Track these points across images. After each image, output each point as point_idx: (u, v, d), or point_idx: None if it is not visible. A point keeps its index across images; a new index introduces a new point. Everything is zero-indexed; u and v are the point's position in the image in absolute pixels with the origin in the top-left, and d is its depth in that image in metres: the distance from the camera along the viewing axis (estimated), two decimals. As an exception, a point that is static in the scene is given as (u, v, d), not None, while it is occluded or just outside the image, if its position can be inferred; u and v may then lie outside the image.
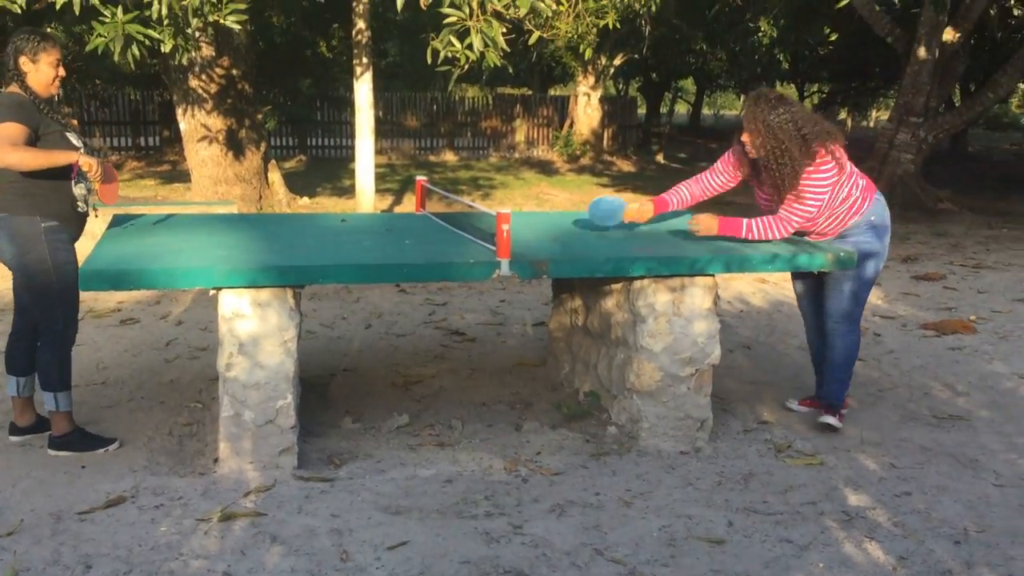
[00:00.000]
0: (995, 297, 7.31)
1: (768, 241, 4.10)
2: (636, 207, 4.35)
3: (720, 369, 4.16)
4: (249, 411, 3.56)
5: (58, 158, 3.60)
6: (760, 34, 19.29)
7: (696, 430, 4.01)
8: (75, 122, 3.95)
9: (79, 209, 3.81)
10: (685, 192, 4.40)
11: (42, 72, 3.72)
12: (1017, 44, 15.19)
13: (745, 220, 4.12)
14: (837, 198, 4.08)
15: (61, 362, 3.82)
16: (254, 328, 3.52)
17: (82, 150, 3.79)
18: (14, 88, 3.71)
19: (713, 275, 3.93)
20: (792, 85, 36.80)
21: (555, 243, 4.14)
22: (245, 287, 3.47)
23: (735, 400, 4.65)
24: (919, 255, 9.36)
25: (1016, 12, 18.30)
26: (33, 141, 3.61)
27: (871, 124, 47.68)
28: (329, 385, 4.81)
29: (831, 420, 4.26)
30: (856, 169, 4.18)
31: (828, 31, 20.61)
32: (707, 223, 4.11)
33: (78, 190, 3.77)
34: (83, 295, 6.65)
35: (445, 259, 3.70)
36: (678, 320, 3.92)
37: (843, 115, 47.29)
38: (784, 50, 22.41)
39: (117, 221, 4.44)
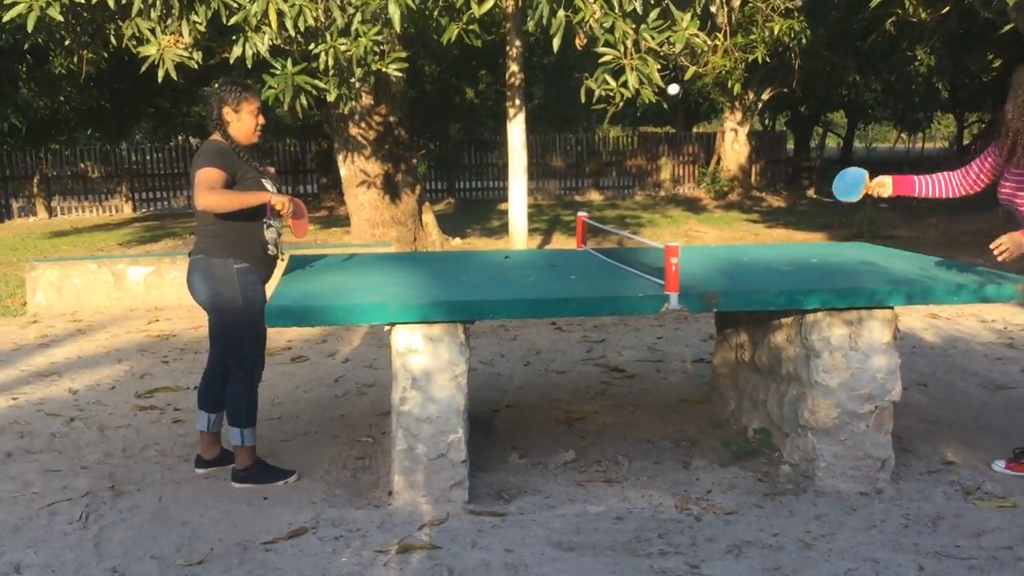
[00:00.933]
0: None
1: None
2: (877, 180, 4.17)
3: (897, 408, 3.97)
4: (422, 445, 3.62)
5: (250, 199, 3.79)
6: (917, 63, 18.61)
7: (877, 470, 3.83)
8: (271, 169, 4.16)
9: (269, 252, 3.98)
10: (931, 181, 4.20)
11: (244, 121, 3.92)
12: None
13: None
14: None
15: (249, 399, 3.98)
16: (426, 363, 3.59)
17: (278, 187, 3.99)
18: (217, 136, 3.92)
19: (892, 307, 3.77)
20: (951, 115, 35.36)
21: (722, 276, 4.07)
22: (418, 322, 3.55)
23: (915, 440, 4.43)
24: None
25: None
26: (230, 185, 3.81)
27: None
28: (493, 421, 4.85)
29: (1000, 467, 4.00)
30: None
31: (990, 57, 19.72)
32: (1016, 240, 3.69)
33: (269, 234, 3.95)
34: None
35: (613, 293, 3.69)
36: (855, 355, 3.78)
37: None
38: (942, 78, 21.55)
39: (293, 262, 4.63)
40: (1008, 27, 12.29)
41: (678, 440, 4.51)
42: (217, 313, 3.92)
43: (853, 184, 4.19)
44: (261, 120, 3.98)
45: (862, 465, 3.81)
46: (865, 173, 4.19)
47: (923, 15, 12.43)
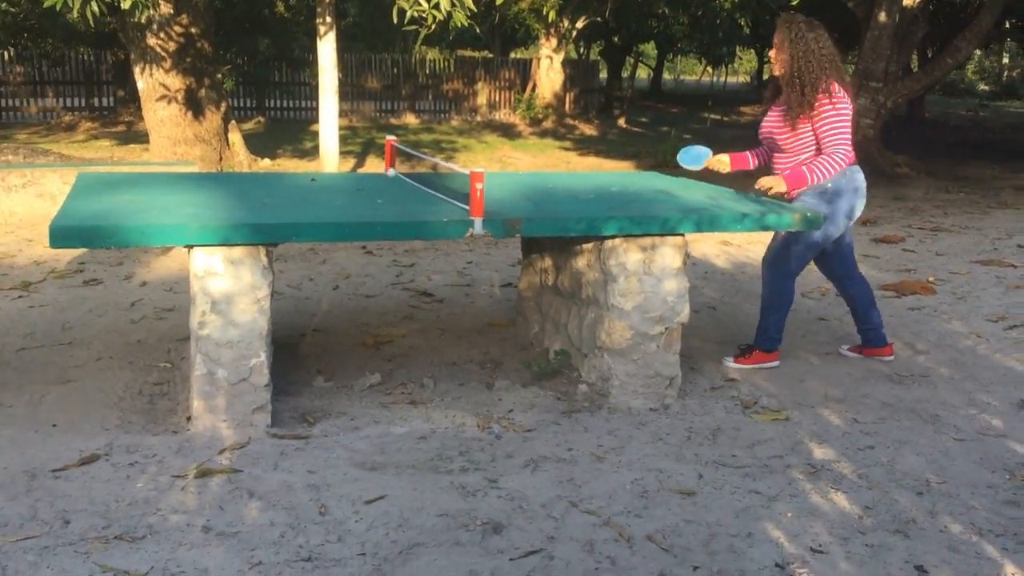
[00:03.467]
0: (953, 259, 7.46)
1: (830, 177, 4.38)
2: (717, 158, 4.73)
3: (687, 329, 4.22)
4: (222, 369, 3.55)
5: None
6: (720, -1, 19.33)
7: (665, 387, 4.07)
8: None
9: None
10: (761, 154, 4.80)
11: None
12: (975, 10, 15.37)
13: (805, 167, 4.34)
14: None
15: None
16: (227, 286, 3.51)
17: None
18: None
19: (683, 234, 3.97)
20: (752, 50, 36.97)
21: (527, 202, 4.16)
22: (218, 244, 3.45)
23: (702, 359, 4.73)
24: (878, 218, 9.50)
25: (974, -21, 18.49)
26: None
27: (829, 90, 47.84)
28: (299, 345, 4.81)
29: (730, 362, 4.66)
30: None
31: (789, -4, 20.68)
32: (773, 182, 4.38)
33: None
34: (44, 255, 6.58)
35: (418, 217, 3.70)
36: (648, 279, 3.97)
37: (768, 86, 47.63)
38: (745, 15, 22.42)
39: (83, 180, 4.38)
40: (805, -32, 12.92)
41: (483, 362, 4.63)
42: None
43: (697, 157, 4.73)
44: None
45: (652, 383, 4.04)
46: (709, 151, 4.72)
47: (728, -48, 12.87)
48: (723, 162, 4.73)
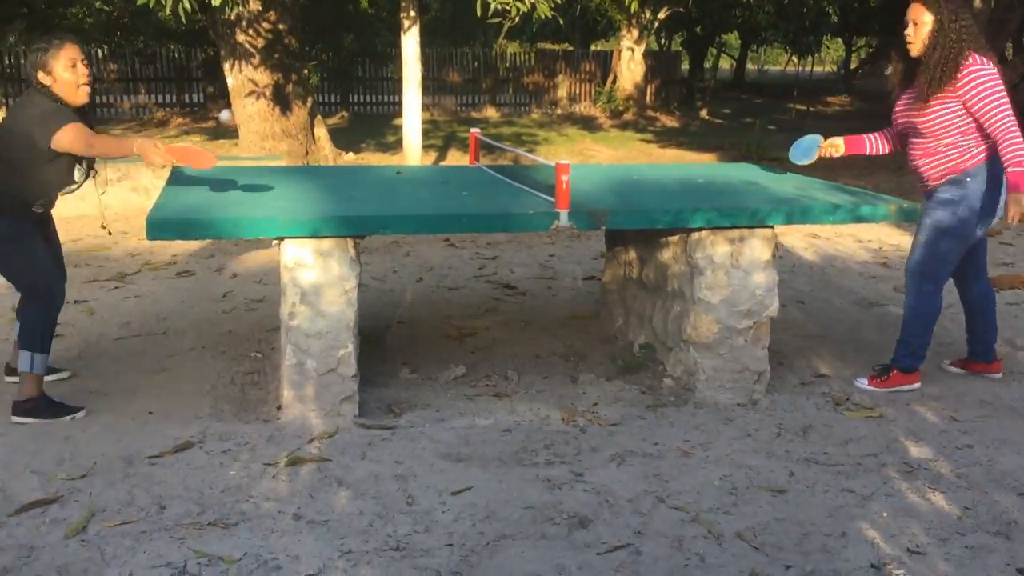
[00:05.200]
0: (1053, 253, 7.18)
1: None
2: (830, 141, 4.37)
3: (775, 323, 4.13)
4: (311, 360, 3.61)
5: (123, 147, 3.65)
6: (808, -13, 18.89)
7: (753, 382, 4.00)
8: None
9: (36, 210, 3.77)
10: (879, 139, 4.38)
11: (61, 79, 3.63)
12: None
13: (1013, 159, 3.74)
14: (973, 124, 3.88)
15: (45, 323, 3.75)
16: (316, 278, 3.56)
17: (77, 187, 3.84)
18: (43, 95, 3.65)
19: (773, 226, 3.89)
20: (840, 39, 36.08)
21: (612, 195, 4.12)
22: (308, 237, 3.50)
23: (791, 354, 4.63)
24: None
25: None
26: (52, 157, 3.62)
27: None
28: (384, 337, 4.86)
29: (863, 384, 4.18)
30: None
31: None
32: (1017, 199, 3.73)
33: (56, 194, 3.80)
34: (139, 247, 6.77)
35: (504, 210, 3.71)
36: (736, 272, 3.90)
37: (891, 69, 46.40)
38: (832, 2, 21.91)
39: (176, 173, 4.48)
40: (896, -47, 12.56)
41: (567, 355, 4.61)
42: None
43: (808, 148, 4.41)
44: (83, 69, 3.66)
45: (740, 378, 3.97)
46: (819, 138, 4.41)
47: (816, -62, 12.58)
48: (836, 145, 4.34)
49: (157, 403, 3.88)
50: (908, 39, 3.98)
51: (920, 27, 3.91)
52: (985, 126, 3.83)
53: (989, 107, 3.79)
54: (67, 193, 3.83)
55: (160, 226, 3.35)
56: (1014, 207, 3.74)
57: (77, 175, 3.81)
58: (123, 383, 4.12)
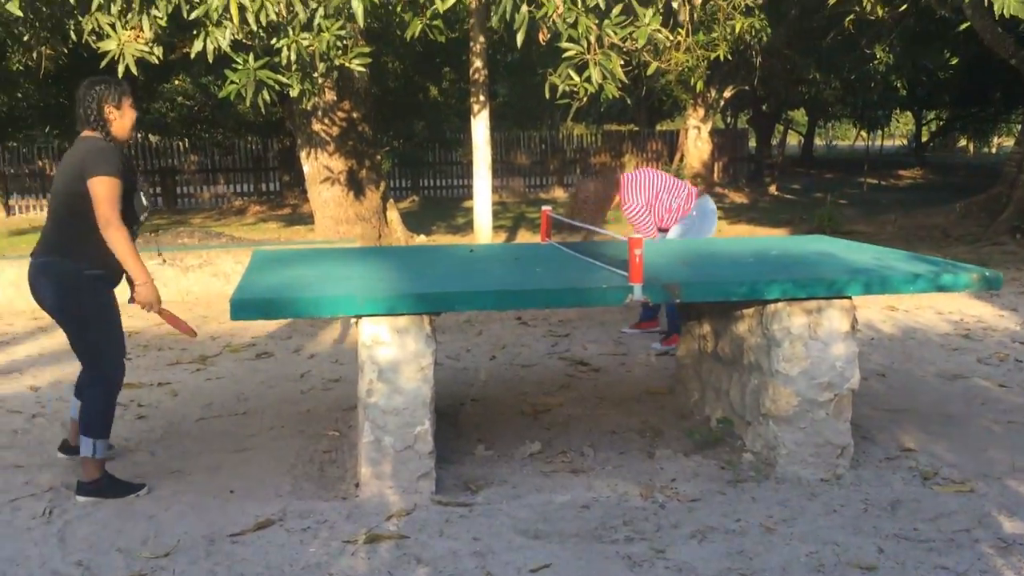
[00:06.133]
0: None
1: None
2: None
3: (857, 397, 4.04)
4: (389, 436, 3.64)
5: (134, 265, 3.71)
6: (875, 61, 18.87)
7: (836, 457, 3.90)
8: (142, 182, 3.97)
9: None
10: None
11: (126, 117, 3.77)
12: None
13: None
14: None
15: (105, 409, 3.78)
16: (393, 354, 3.61)
17: (148, 210, 3.89)
18: (93, 134, 3.74)
19: (851, 297, 3.84)
20: (910, 112, 35.84)
21: (685, 267, 4.12)
22: (385, 314, 3.56)
23: (874, 428, 4.51)
24: (1058, 280, 8.94)
25: None
26: (123, 195, 3.68)
27: (993, 150, 46.01)
28: (459, 414, 4.87)
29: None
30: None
31: (947, 55, 20.05)
32: None
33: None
34: (220, 330, 6.94)
35: (578, 284, 3.73)
36: (815, 343, 3.84)
37: (963, 141, 45.81)
38: (900, 76, 21.85)
39: (256, 256, 4.62)
40: (964, 25, 12.52)
41: (643, 431, 4.56)
42: (68, 321, 3.76)
43: None
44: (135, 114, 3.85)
45: (822, 452, 3.88)
46: None
47: (881, 13, 12.63)
48: None
49: (238, 482, 3.93)
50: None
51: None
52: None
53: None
54: (144, 222, 3.89)
55: (244, 306, 3.44)
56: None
57: (145, 200, 3.86)
58: (205, 462, 4.19)
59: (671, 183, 6.21)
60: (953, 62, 20.58)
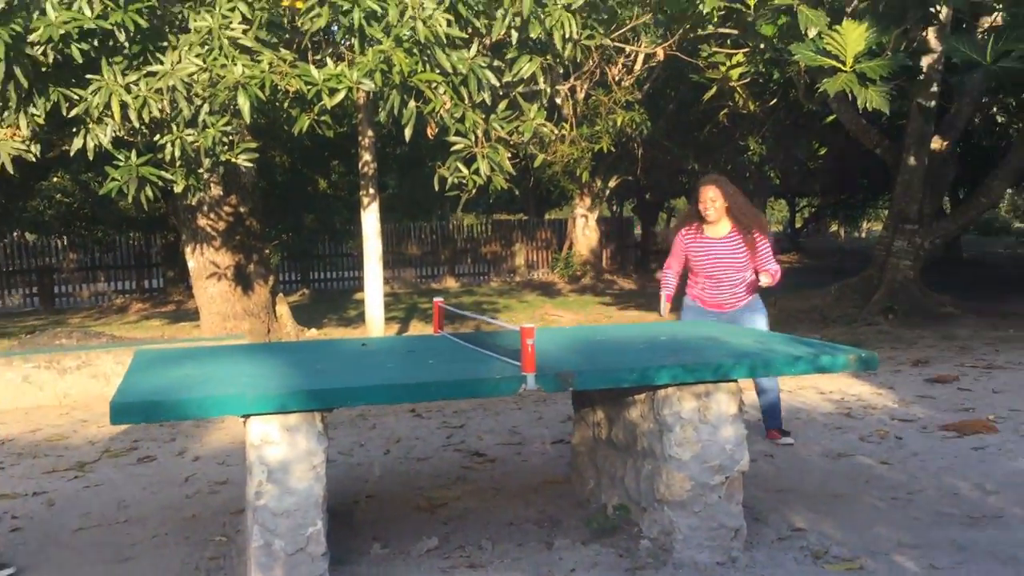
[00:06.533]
0: (1011, 396, 7.28)
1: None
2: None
3: (747, 479, 4.12)
4: (279, 540, 3.51)
5: None
6: (750, 152, 19.79)
7: (731, 539, 3.95)
8: None
9: None
10: (673, 280, 6.03)
11: None
12: (1004, 150, 15.59)
13: (774, 273, 5.65)
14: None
15: None
16: (283, 454, 3.51)
17: None
18: None
19: (736, 380, 3.94)
20: (783, 200, 37.53)
21: (577, 355, 4.17)
22: (274, 413, 3.48)
23: (765, 509, 4.59)
24: (929, 358, 9.37)
25: (1000, 120, 18.84)
26: None
27: (862, 235, 48.38)
28: (354, 512, 4.76)
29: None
30: None
31: (816, 145, 21.16)
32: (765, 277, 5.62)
33: None
34: (99, 434, 6.65)
35: (471, 376, 3.72)
36: (705, 427, 3.91)
37: (834, 227, 48.10)
38: (773, 166, 22.91)
39: (139, 356, 4.47)
40: (831, 118, 13.27)
41: (540, 521, 4.53)
42: None
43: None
44: None
45: (716, 535, 3.92)
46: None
47: (752, 107, 13.29)
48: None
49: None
50: (708, 214, 5.76)
51: (720, 202, 5.71)
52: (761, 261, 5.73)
53: (768, 254, 5.75)
54: None
55: (125, 410, 3.31)
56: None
57: None
58: (85, 575, 3.96)
59: None
60: (822, 152, 21.71)
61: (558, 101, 9.93)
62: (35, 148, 6.84)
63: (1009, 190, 32.14)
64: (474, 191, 7.14)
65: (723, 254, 5.77)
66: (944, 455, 5.56)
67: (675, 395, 3.91)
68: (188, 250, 11.16)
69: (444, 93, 6.65)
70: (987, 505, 4.62)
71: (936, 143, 12.94)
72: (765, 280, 5.63)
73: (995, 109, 17.74)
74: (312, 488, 3.54)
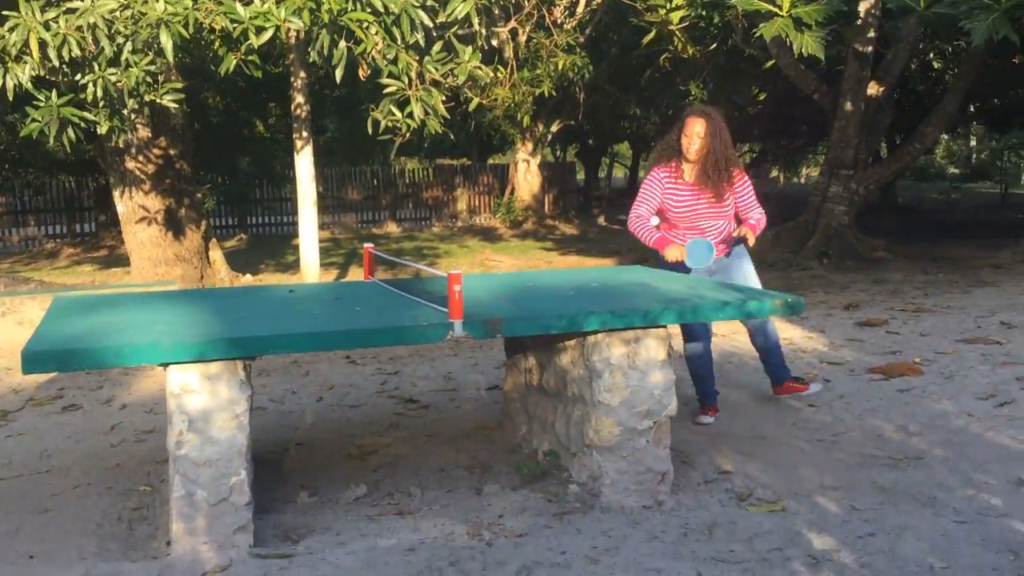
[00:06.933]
0: (937, 339, 7.45)
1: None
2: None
3: (675, 422, 4.15)
4: (202, 490, 3.45)
5: None
6: (691, 97, 19.77)
7: (657, 483, 3.98)
8: None
9: None
10: (653, 226, 5.26)
11: None
12: (939, 96, 15.78)
13: (757, 222, 5.15)
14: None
15: None
16: (204, 403, 3.44)
17: None
18: None
19: (666, 326, 3.94)
20: (724, 145, 37.57)
21: (507, 302, 4.14)
22: (193, 361, 3.40)
23: (693, 452, 4.64)
24: (860, 302, 9.54)
25: (936, 66, 19.05)
26: None
27: (802, 180, 48.96)
28: (282, 460, 4.71)
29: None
30: None
31: (756, 91, 21.21)
32: (744, 231, 5.07)
33: None
34: (23, 382, 6.49)
35: (398, 323, 3.67)
36: (634, 373, 3.92)
37: (774, 172, 48.53)
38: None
39: (58, 303, 4.34)
40: (770, 63, 13.28)
41: (471, 467, 4.53)
42: None
43: (701, 254, 5.02)
44: None
45: (644, 479, 3.95)
46: (709, 242, 5.08)
47: (692, 52, 13.23)
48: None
49: (39, 545, 3.65)
50: (688, 152, 5.11)
51: (702, 139, 5.04)
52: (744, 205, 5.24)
53: (751, 197, 5.25)
54: None
55: (37, 359, 3.20)
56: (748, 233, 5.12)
57: None
58: (3, 527, 3.87)
59: None
60: (762, 97, 21.77)
61: (494, 43, 9.78)
62: (-50, 87, 6.55)
63: (944, 136, 32.73)
64: (407, 135, 7.02)
65: (700, 199, 5.14)
66: (870, 397, 5.67)
67: (604, 341, 3.91)
68: (117, 194, 10.87)
69: (376, 33, 6.49)
70: (910, 447, 4.72)
71: (872, 88, 13.04)
72: (746, 233, 5.03)
73: (931, 55, 17.92)
74: (235, 437, 3.48)
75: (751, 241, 5.11)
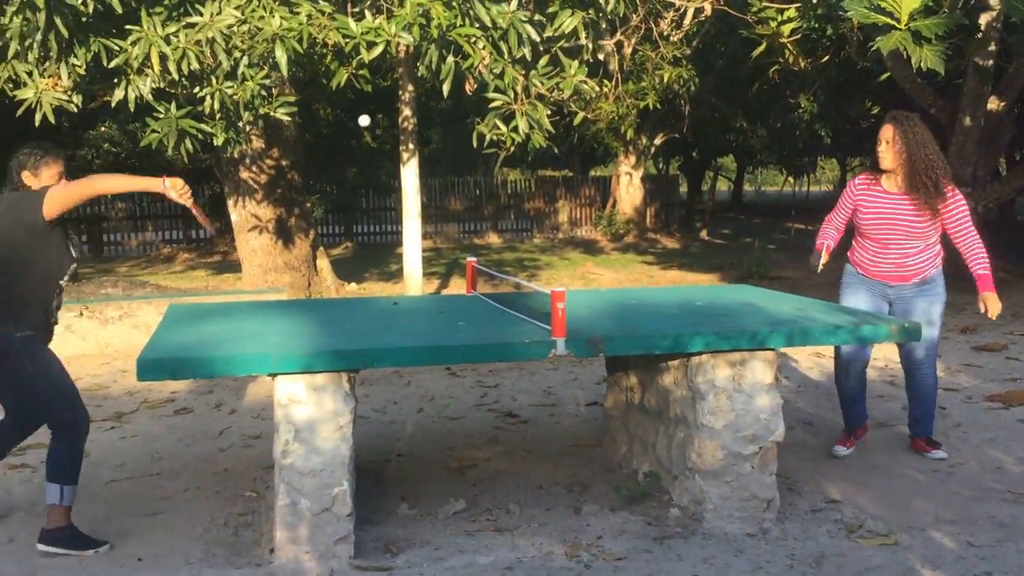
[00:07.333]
0: (1062, 366, 7.08)
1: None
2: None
3: (783, 447, 4.03)
4: (305, 499, 3.51)
5: (143, 182, 3.81)
6: (800, 110, 19.35)
7: (763, 511, 3.87)
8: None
9: (52, 320, 3.89)
10: (834, 232, 4.95)
11: (43, 183, 3.79)
12: (1063, 111, 15.07)
13: (983, 267, 4.73)
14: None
15: (73, 455, 3.77)
16: (310, 413, 3.49)
17: (76, 262, 3.94)
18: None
19: (774, 348, 3.84)
20: (834, 159, 36.78)
21: (610, 320, 4.09)
22: (301, 372, 3.45)
23: (800, 479, 4.50)
24: (977, 326, 9.14)
25: (1060, 79, 18.17)
26: (43, 235, 3.71)
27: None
28: (383, 471, 4.75)
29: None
30: None
31: (869, 104, 20.62)
32: (993, 302, 4.72)
33: (56, 300, 3.87)
34: (138, 385, 6.72)
35: (500, 339, 3.66)
36: (739, 396, 3.83)
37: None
38: (824, 125, 22.39)
39: (172, 311, 4.48)
40: (884, 75, 12.88)
41: (570, 485, 4.49)
42: (11, 390, 3.77)
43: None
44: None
45: (748, 506, 3.85)
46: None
47: (803, 64, 12.94)
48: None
49: (147, 548, 3.76)
50: (885, 161, 4.69)
51: (899, 148, 4.61)
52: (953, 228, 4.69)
53: (964, 216, 4.69)
54: (70, 278, 3.89)
55: (151, 367, 3.30)
56: (991, 307, 4.69)
57: (74, 251, 3.91)
58: (114, 528, 4.00)
59: None
60: (875, 111, 21.15)
61: (600, 57, 9.74)
62: (77, 98, 6.84)
63: (1069, 152, 31.19)
64: (512, 148, 7.04)
65: (894, 212, 4.67)
66: (988, 427, 5.42)
67: (709, 362, 3.83)
68: (231, 203, 11.20)
69: (483, 48, 6.53)
70: (1032, 480, 4.49)
71: (993, 103, 12.51)
72: (989, 304, 4.65)
73: (1057, 69, 17.10)
74: (338, 448, 3.52)
75: (992, 313, 4.69)
